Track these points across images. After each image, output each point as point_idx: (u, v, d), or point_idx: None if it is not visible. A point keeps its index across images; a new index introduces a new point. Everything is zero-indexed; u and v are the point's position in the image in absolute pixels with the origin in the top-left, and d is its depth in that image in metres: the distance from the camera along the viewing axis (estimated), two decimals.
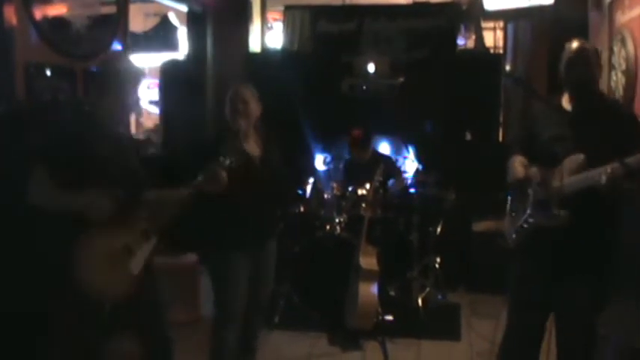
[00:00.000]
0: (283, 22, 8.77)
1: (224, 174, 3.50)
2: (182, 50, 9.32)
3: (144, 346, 3.54)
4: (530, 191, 3.41)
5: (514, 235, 3.53)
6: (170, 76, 8.08)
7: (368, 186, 5.96)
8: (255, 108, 4.05)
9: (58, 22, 5.03)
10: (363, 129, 6.51)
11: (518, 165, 3.51)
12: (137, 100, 3.47)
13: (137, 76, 3.43)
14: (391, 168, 6.47)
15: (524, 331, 3.62)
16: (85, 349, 3.32)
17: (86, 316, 3.25)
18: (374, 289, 5.25)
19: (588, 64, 3.36)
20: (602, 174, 3.02)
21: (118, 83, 3.34)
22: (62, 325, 3.54)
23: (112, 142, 3.33)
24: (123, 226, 3.26)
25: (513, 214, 3.58)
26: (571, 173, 3.22)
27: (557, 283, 3.40)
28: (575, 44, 3.43)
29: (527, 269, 3.55)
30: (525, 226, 3.44)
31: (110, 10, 5.85)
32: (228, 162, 3.53)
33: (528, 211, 3.41)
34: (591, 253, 3.31)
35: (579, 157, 3.21)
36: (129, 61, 3.53)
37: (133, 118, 8.82)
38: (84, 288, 3.16)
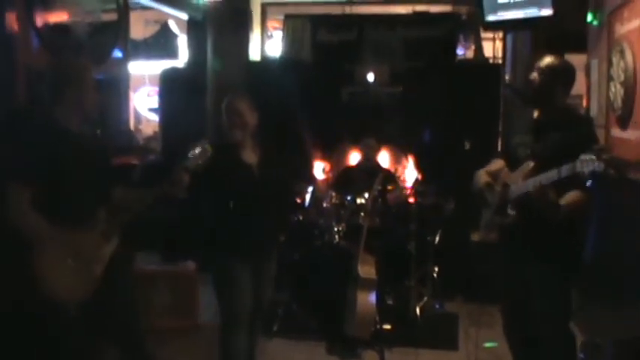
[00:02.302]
0: (283, 30, 8.79)
1: (186, 177, 3.51)
2: (182, 58, 9.34)
3: (118, 345, 3.56)
4: (492, 196, 3.74)
5: (484, 230, 3.88)
6: (170, 83, 8.09)
7: (367, 195, 5.97)
8: (250, 119, 4.09)
9: (59, 28, 5.04)
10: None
11: (482, 175, 3.87)
12: (95, 96, 3.42)
13: (85, 74, 3.41)
14: (390, 180, 6.50)
15: (511, 313, 3.94)
16: (54, 352, 3.33)
17: (51, 318, 3.26)
18: (372, 298, 5.24)
19: (545, 80, 3.57)
20: (533, 183, 3.36)
21: (69, 86, 3.32)
22: (29, 328, 3.55)
23: (73, 145, 3.31)
24: (82, 228, 3.26)
25: (486, 213, 3.86)
26: (522, 179, 3.51)
27: (523, 270, 3.66)
28: (541, 60, 3.65)
29: (502, 263, 3.89)
30: (492, 223, 3.78)
31: (111, 17, 5.87)
32: (188, 163, 3.56)
33: (491, 213, 3.76)
34: (542, 239, 3.53)
35: (529, 165, 3.50)
36: (75, 63, 3.48)
37: (132, 124, 8.84)
38: (45, 291, 3.17)
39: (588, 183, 3.21)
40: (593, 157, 3.05)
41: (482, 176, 3.82)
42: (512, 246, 3.68)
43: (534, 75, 3.62)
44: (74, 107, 3.35)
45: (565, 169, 3.18)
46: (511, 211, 3.57)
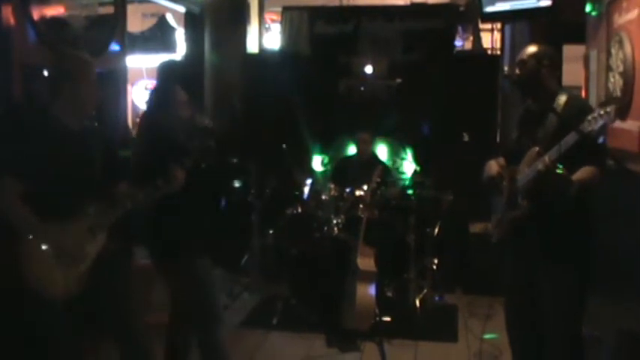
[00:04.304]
0: (281, 23, 8.75)
1: (181, 175, 3.52)
2: (180, 51, 9.31)
3: (116, 340, 3.56)
4: (502, 188, 3.65)
5: (496, 231, 3.75)
6: (167, 76, 8.07)
7: (365, 187, 5.97)
8: None
9: (56, 22, 5.02)
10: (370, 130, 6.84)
11: (493, 164, 3.77)
12: (95, 92, 3.42)
13: (86, 70, 3.39)
14: (388, 174, 6.51)
15: (517, 313, 3.79)
16: (41, 346, 3.33)
17: (37, 313, 3.26)
18: (371, 290, 5.24)
19: (529, 67, 3.57)
20: (540, 162, 3.28)
21: (69, 81, 3.31)
22: (16, 323, 3.55)
23: (68, 140, 3.30)
24: (69, 223, 3.25)
25: (496, 212, 3.77)
26: (528, 166, 3.45)
27: (534, 269, 3.57)
28: (525, 49, 3.67)
29: (509, 259, 3.76)
30: (504, 220, 3.65)
31: (108, 10, 5.85)
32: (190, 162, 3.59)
33: (504, 207, 3.64)
34: (557, 238, 3.46)
35: (534, 150, 3.44)
36: (76, 57, 3.46)
37: (129, 118, 8.82)
38: (32, 285, 3.16)
39: (600, 139, 3.25)
40: (600, 111, 3.06)
41: (493, 166, 3.75)
42: (524, 239, 3.58)
43: (517, 69, 3.64)
44: (74, 102, 3.33)
45: (572, 136, 3.14)
46: (522, 202, 3.48)
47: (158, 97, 4.01)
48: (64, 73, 3.34)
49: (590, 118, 3.09)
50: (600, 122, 3.05)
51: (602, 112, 3.07)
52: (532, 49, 3.63)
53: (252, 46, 8.69)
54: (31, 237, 3.18)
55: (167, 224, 3.76)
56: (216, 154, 3.90)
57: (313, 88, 7.54)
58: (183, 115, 3.90)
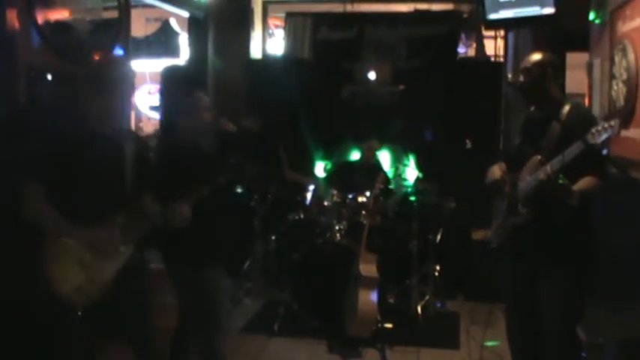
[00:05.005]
0: (284, 28, 8.77)
1: (186, 211, 3.53)
2: (183, 56, 9.32)
3: (132, 348, 3.56)
4: (504, 194, 3.69)
5: (495, 237, 3.79)
6: (171, 81, 8.08)
7: (368, 194, 5.97)
8: None
9: (60, 26, 5.02)
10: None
11: (496, 169, 3.81)
12: (130, 101, 3.45)
13: (130, 79, 3.45)
14: (388, 182, 6.53)
15: (517, 320, 3.84)
16: (58, 351, 3.33)
17: (58, 318, 3.26)
18: (373, 296, 5.24)
19: (533, 76, 3.60)
20: (543, 172, 3.32)
21: (113, 86, 3.33)
22: (36, 327, 3.55)
23: (96, 145, 3.29)
24: (98, 229, 3.24)
25: (497, 217, 3.81)
26: (530, 174, 3.49)
27: (534, 274, 3.61)
28: (528, 57, 3.71)
29: (509, 265, 3.81)
30: (504, 226, 3.70)
31: (112, 14, 5.85)
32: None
33: (504, 213, 3.68)
34: (557, 243, 3.49)
35: (536, 159, 3.48)
36: (123, 65, 3.49)
37: (132, 122, 8.83)
38: (55, 290, 3.16)
39: (604, 151, 3.23)
40: (605, 124, 3.09)
41: (496, 170, 3.79)
42: (524, 245, 3.62)
43: (520, 77, 3.67)
44: (106, 109, 3.36)
45: (576, 147, 3.17)
46: (522, 209, 3.52)
47: (177, 103, 4.00)
48: (100, 80, 3.35)
49: (594, 130, 3.12)
50: (604, 135, 3.08)
51: (606, 125, 3.10)
52: (536, 57, 3.66)
53: (255, 52, 8.70)
54: (62, 240, 3.16)
55: (183, 233, 3.75)
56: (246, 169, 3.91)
57: (316, 94, 7.55)
58: (206, 120, 3.90)
